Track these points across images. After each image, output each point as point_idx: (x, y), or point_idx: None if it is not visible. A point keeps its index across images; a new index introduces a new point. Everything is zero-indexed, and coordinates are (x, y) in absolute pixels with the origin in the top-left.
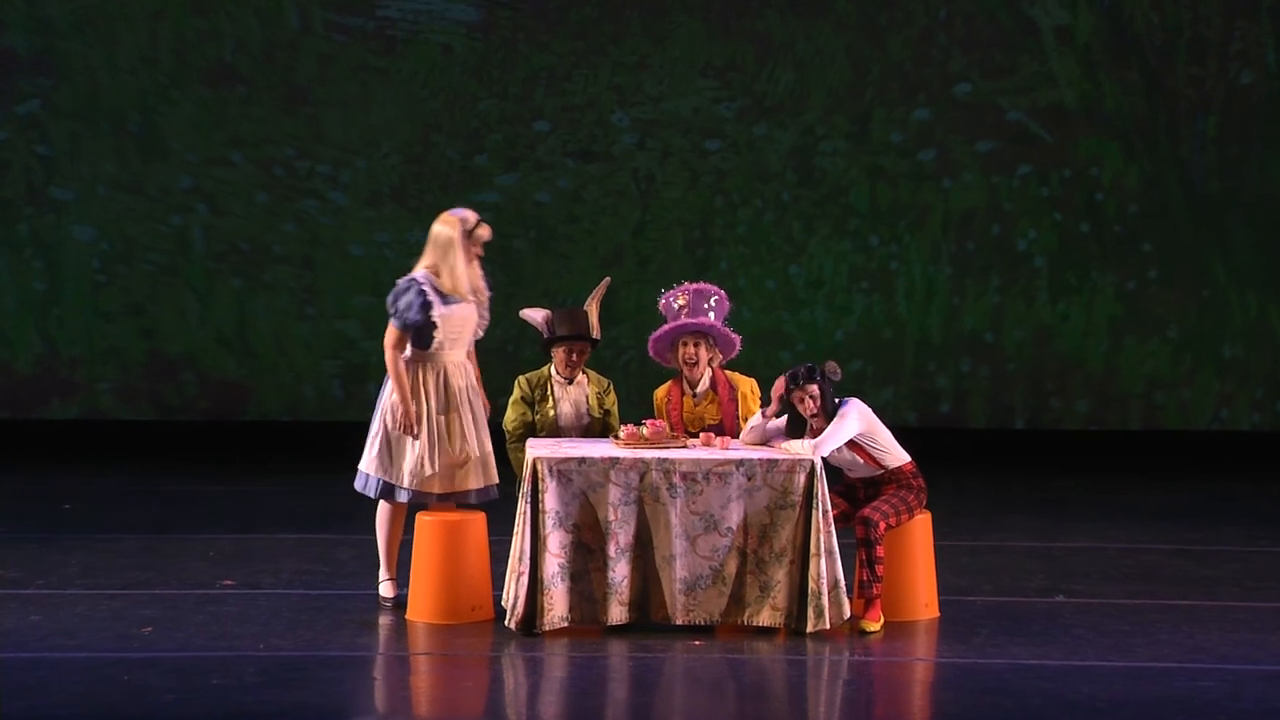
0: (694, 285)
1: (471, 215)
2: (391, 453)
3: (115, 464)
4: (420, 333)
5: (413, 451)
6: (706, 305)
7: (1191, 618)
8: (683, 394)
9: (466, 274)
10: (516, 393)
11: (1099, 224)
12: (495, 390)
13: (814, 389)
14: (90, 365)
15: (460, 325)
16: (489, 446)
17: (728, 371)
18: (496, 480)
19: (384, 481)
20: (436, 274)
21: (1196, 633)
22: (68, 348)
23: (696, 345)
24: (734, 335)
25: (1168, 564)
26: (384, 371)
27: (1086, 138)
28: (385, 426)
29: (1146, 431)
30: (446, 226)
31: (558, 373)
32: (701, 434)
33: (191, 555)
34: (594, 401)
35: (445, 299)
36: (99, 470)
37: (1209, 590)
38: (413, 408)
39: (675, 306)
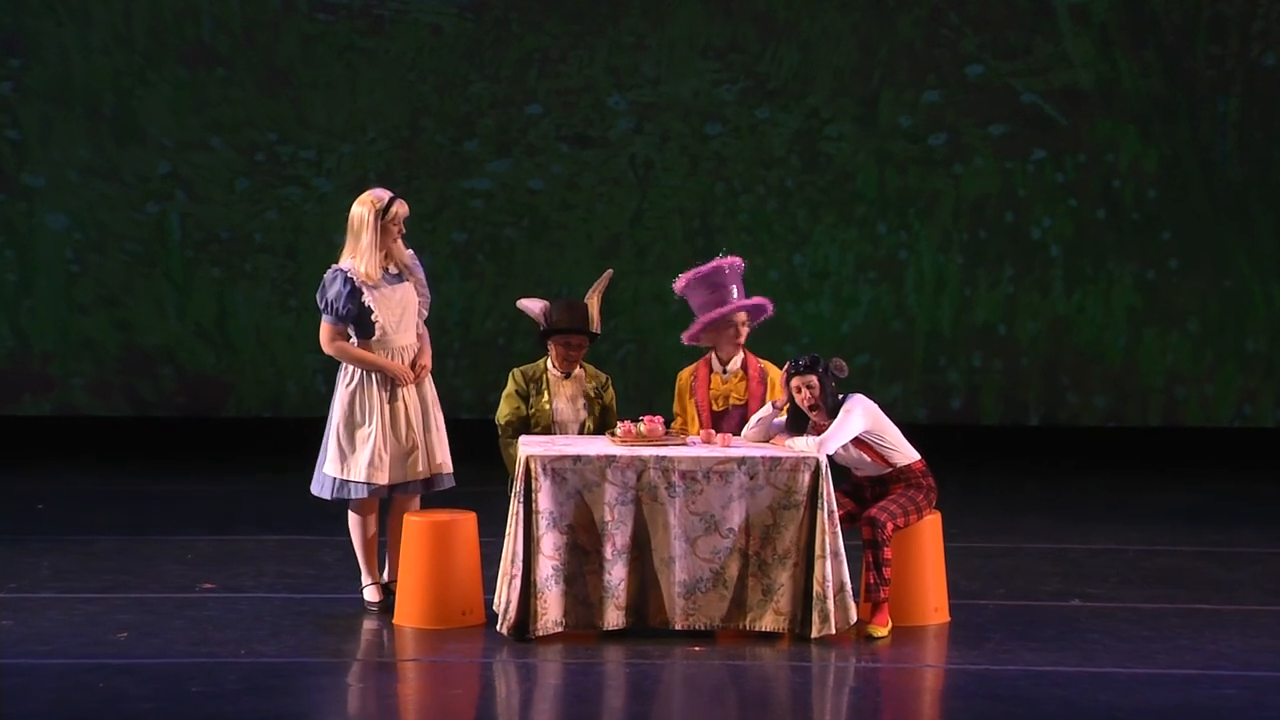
0: (707, 267)
1: (384, 193)
2: (343, 449)
3: (89, 462)
4: (360, 322)
5: (365, 445)
6: (739, 280)
7: (1213, 623)
8: (711, 371)
9: (379, 256)
10: (511, 385)
11: (1116, 211)
12: (487, 384)
13: (812, 379)
14: (63, 359)
15: (400, 308)
16: (442, 434)
17: (760, 359)
18: (449, 470)
19: (338, 480)
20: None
21: (1218, 638)
22: (39, 341)
23: (744, 325)
24: (766, 300)
25: (1188, 567)
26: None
27: (1103, 121)
28: (338, 424)
29: (1166, 428)
30: (360, 208)
31: (554, 366)
32: (702, 431)
33: (169, 557)
34: (591, 397)
35: (375, 285)
36: (72, 469)
37: (1231, 594)
38: (393, 363)
39: (719, 283)
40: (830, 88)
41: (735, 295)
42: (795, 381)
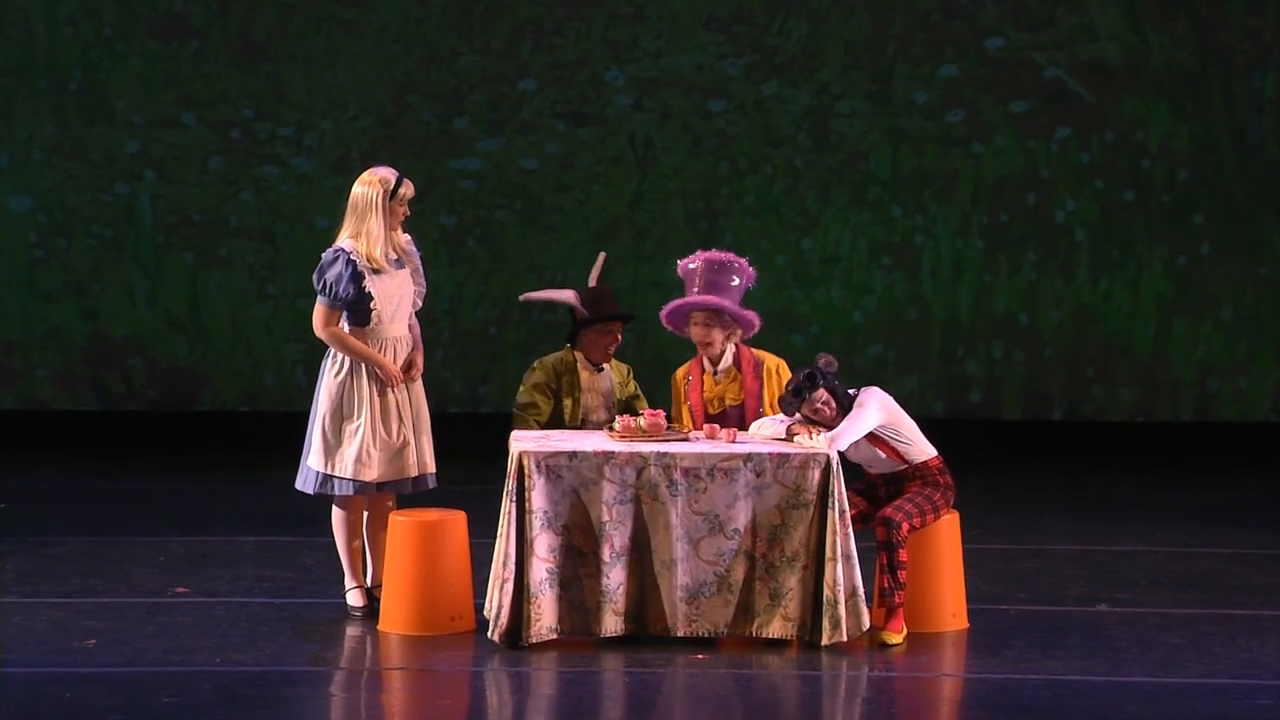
0: (711, 255)
1: (391, 173)
2: (329, 442)
3: (55, 459)
4: (356, 308)
5: (353, 439)
6: (726, 280)
7: (1248, 629)
8: (703, 371)
9: (386, 239)
10: (539, 375)
11: (1145, 193)
12: (477, 376)
13: (822, 394)
14: (27, 350)
15: (397, 296)
16: (428, 432)
17: (754, 349)
18: (433, 469)
19: (322, 474)
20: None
21: (1253, 645)
22: (1, 331)
23: (709, 325)
24: (751, 315)
25: (1221, 569)
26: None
27: (1131, 97)
28: (324, 415)
29: (1198, 423)
30: (365, 188)
31: (589, 359)
32: (705, 425)
33: (140, 560)
34: (619, 390)
35: (377, 269)
36: (36, 466)
37: (1267, 599)
38: (387, 361)
39: (691, 279)
40: (842, 61)
41: (695, 291)
42: (807, 408)
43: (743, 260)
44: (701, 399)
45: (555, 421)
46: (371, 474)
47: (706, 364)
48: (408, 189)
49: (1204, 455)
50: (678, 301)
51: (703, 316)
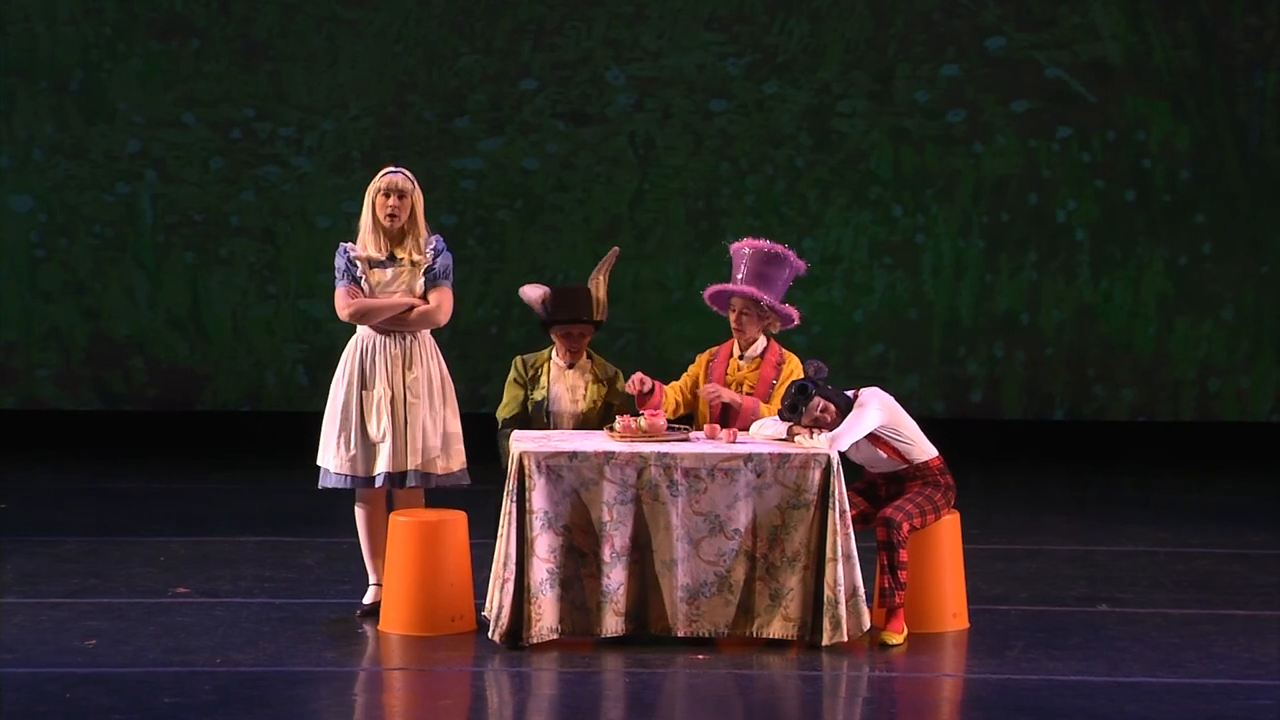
0: (761, 244)
1: (381, 174)
2: (323, 438)
3: (55, 459)
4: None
5: (333, 435)
6: (773, 272)
7: (1249, 629)
8: (730, 356)
9: (375, 234)
10: (511, 374)
11: (1147, 193)
12: (478, 377)
13: (819, 402)
14: (27, 350)
15: (393, 292)
16: (423, 428)
17: (784, 349)
18: (423, 466)
19: (321, 468)
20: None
21: (1254, 646)
22: (2, 330)
23: (745, 313)
24: (790, 310)
25: (1222, 570)
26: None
27: (1133, 97)
28: (325, 412)
29: (1200, 423)
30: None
31: (558, 357)
32: (706, 426)
33: (140, 560)
34: (593, 390)
35: (374, 262)
36: (37, 465)
37: (1268, 599)
38: (398, 301)
39: (739, 263)
40: (843, 61)
41: (739, 279)
42: (807, 418)
43: (792, 252)
44: (724, 377)
45: (526, 417)
46: (345, 469)
47: (736, 349)
48: (380, 180)
49: (1205, 455)
50: (719, 286)
51: (741, 304)
